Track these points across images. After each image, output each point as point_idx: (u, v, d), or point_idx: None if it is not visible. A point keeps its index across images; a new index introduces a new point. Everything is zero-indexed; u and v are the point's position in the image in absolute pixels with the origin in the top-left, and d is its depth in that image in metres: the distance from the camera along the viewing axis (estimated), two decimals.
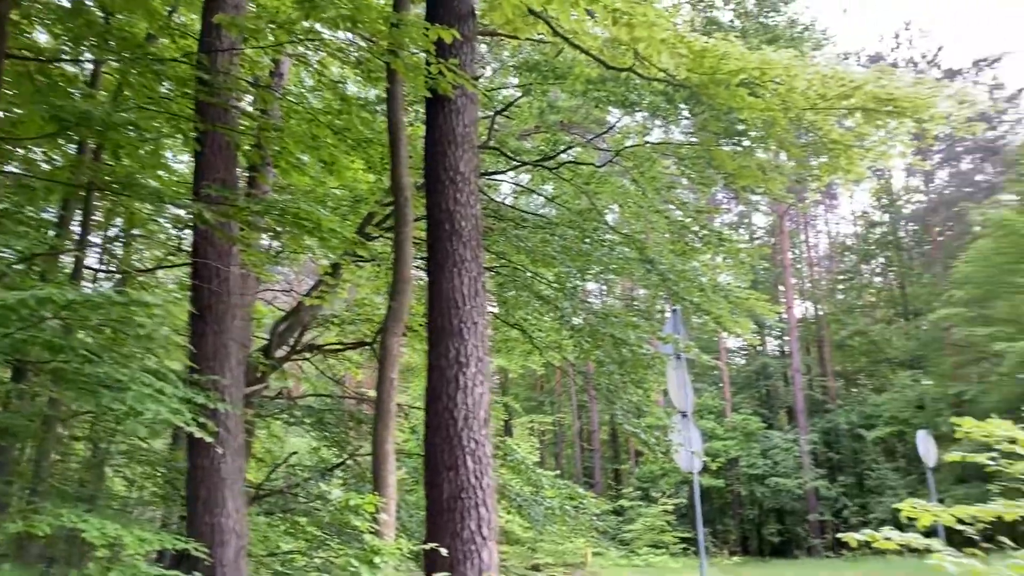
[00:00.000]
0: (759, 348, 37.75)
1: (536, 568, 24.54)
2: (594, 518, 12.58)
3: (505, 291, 11.14)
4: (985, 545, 4.32)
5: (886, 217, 37.35)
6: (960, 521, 4.41)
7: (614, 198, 10.91)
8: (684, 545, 25.27)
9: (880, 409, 30.27)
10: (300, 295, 10.56)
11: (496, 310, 12.46)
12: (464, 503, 5.44)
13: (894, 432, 28.60)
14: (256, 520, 9.68)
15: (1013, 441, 4.36)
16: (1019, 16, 58.59)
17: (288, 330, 9.68)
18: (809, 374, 34.93)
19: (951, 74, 34.42)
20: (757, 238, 37.48)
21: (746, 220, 38.03)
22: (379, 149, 7.03)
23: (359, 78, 8.36)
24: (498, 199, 12.48)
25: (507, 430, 30.25)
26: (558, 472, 15.64)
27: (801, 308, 37.81)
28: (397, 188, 5.87)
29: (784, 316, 33.59)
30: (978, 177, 36.26)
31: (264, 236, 9.05)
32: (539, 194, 12.83)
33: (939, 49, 47.89)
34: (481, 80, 10.66)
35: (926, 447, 16.24)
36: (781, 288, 34.50)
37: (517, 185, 13.47)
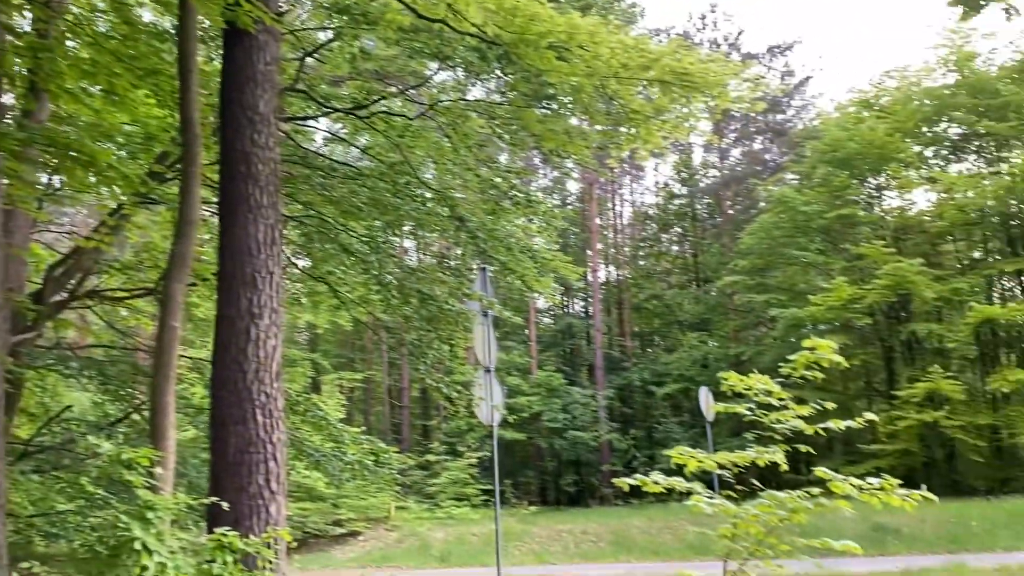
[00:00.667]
0: (566, 308, 39.31)
1: (339, 523, 24.41)
2: (396, 473, 12.64)
3: (312, 243, 10.79)
4: (740, 487, 4.79)
5: (684, 190, 39.77)
6: (720, 466, 4.86)
7: (428, 153, 10.80)
8: (485, 497, 26.02)
9: (670, 367, 32.50)
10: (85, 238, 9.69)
11: (302, 263, 12.08)
12: (252, 457, 5.27)
13: (681, 389, 30.82)
14: (25, 479, 8.92)
15: (770, 393, 4.84)
16: (810, 6, 63.94)
17: (65, 275, 8.87)
18: (609, 334, 36.86)
19: (749, 57, 36.88)
20: (569, 203, 38.74)
21: (560, 186, 39.16)
22: (171, 82, 6.52)
23: (155, 4, 7.71)
24: (309, 147, 12.00)
25: (315, 387, 29.62)
26: (365, 429, 15.53)
27: (605, 272, 39.73)
28: (186, 123, 5.48)
29: (589, 279, 35.14)
30: (767, 156, 39.40)
31: (43, 172, 8.20)
32: (352, 144, 12.47)
33: (740, 33, 51.13)
34: (293, 21, 10.15)
35: (706, 403, 17.68)
36: (589, 252, 35.99)
37: (329, 133, 13.01)
